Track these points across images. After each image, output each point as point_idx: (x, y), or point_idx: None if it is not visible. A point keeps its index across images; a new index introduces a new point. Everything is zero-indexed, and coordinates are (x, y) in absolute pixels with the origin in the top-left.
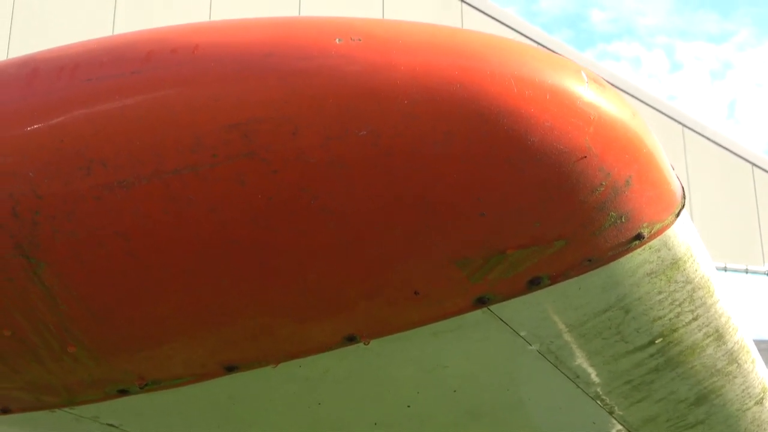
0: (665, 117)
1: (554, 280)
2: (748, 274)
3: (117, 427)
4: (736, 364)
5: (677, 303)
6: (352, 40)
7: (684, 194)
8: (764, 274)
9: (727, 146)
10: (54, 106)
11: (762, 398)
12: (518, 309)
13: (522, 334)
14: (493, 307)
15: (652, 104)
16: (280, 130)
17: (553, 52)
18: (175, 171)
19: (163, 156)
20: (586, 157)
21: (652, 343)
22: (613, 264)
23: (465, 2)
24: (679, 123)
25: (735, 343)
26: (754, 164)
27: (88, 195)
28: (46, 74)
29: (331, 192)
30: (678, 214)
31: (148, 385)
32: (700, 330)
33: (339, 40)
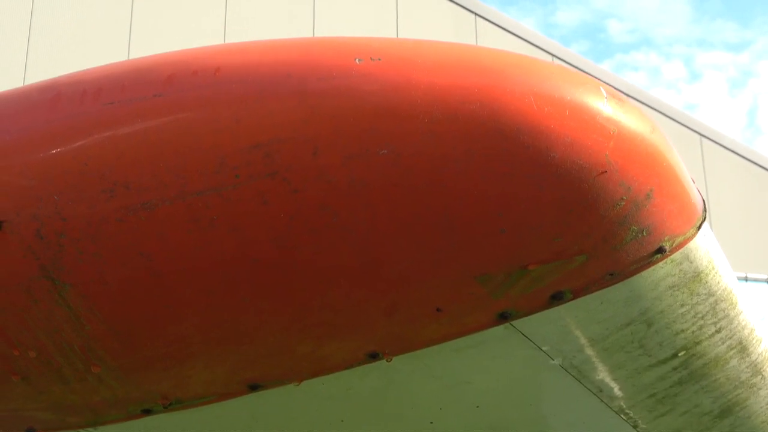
0: (682, 127)
1: (576, 294)
2: None
3: None
4: (761, 376)
5: (700, 316)
6: (371, 60)
7: (705, 207)
8: None
9: (745, 155)
10: (77, 130)
11: None
12: (540, 324)
13: (544, 348)
14: (515, 323)
15: (668, 114)
16: (301, 150)
17: (570, 65)
18: (199, 192)
19: (186, 178)
20: (606, 172)
21: (675, 356)
22: (635, 278)
23: (479, 16)
24: (697, 132)
25: (759, 354)
26: None
27: (111, 217)
28: (69, 98)
29: (351, 210)
30: (699, 227)
31: (172, 404)
32: (723, 342)
33: (359, 60)
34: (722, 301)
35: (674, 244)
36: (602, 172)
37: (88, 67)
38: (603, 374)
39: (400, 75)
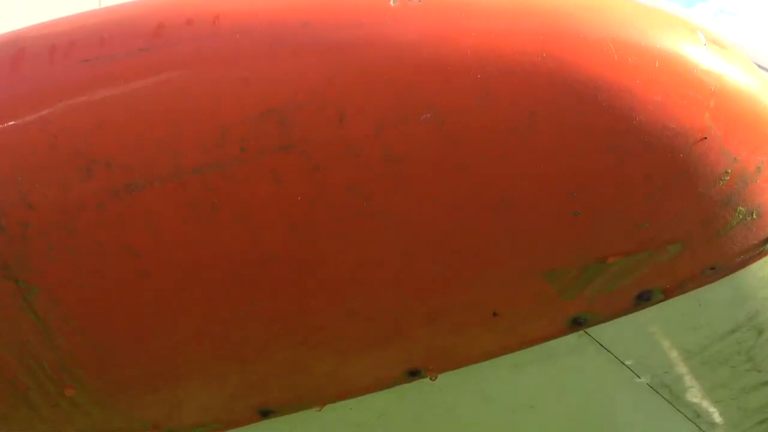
0: None
1: (668, 294)
2: None
3: None
4: None
5: None
6: (409, 2)
7: None
8: None
9: None
10: (45, 95)
11: None
12: (623, 332)
13: (628, 363)
14: (591, 330)
15: None
16: (323, 116)
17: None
18: (197, 170)
19: (180, 152)
20: (706, 138)
21: None
22: (742, 272)
23: None
24: None
25: None
26: None
27: (89, 202)
28: (35, 55)
29: (386, 192)
30: None
31: None
32: None
33: (393, 2)
34: None
35: None
36: (701, 139)
37: (56, 16)
38: (701, 395)
39: (446, 20)
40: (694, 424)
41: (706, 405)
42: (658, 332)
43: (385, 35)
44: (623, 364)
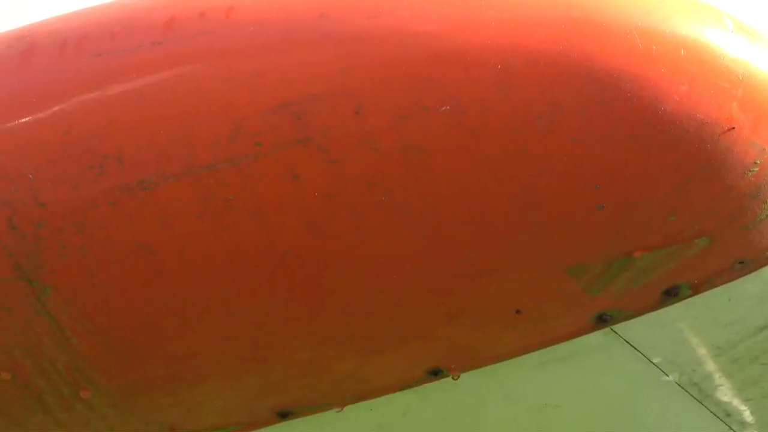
0: None
1: (696, 289)
2: None
3: None
4: None
5: None
6: None
7: None
8: None
9: None
10: (56, 90)
11: None
12: (650, 328)
13: (656, 361)
14: (617, 327)
15: None
16: (340, 109)
17: None
18: (210, 166)
19: (194, 148)
20: (733, 128)
21: None
22: None
23: None
24: None
25: None
26: None
27: (102, 200)
28: (46, 50)
29: (405, 186)
30: None
31: None
32: None
33: None
34: None
35: None
36: (728, 130)
37: (66, 10)
38: (731, 394)
39: (465, 9)
40: (725, 423)
41: (737, 403)
42: (687, 329)
43: (402, 26)
44: (651, 362)
